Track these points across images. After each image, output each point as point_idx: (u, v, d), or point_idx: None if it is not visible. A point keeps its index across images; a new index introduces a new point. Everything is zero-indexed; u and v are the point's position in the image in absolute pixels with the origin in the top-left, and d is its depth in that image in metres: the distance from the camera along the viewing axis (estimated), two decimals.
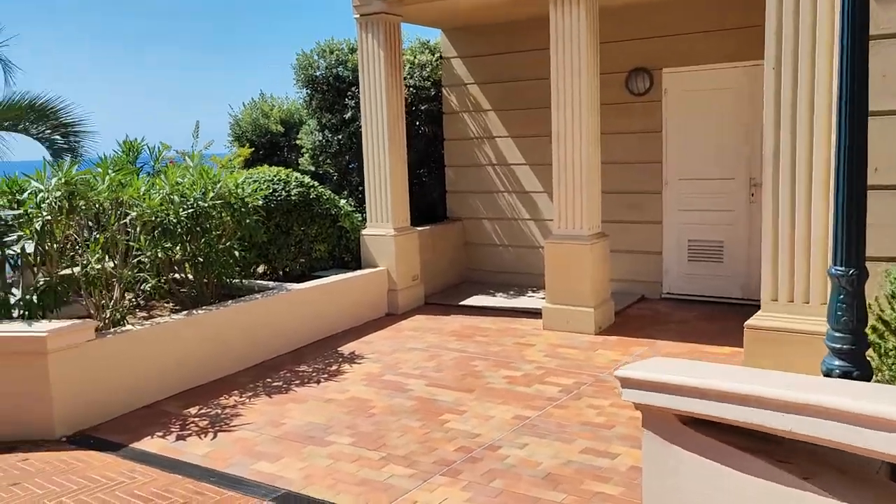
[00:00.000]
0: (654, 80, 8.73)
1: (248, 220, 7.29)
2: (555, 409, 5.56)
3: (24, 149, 12.36)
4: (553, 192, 7.73)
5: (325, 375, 6.62)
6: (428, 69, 10.24)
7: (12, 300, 5.81)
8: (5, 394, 5.31)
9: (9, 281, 6.30)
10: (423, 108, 10.20)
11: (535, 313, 8.23)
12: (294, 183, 8.81)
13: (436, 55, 10.36)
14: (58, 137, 11.40)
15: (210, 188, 6.86)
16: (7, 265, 6.22)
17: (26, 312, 5.68)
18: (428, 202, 10.46)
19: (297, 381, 6.48)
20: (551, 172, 7.74)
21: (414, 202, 9.41)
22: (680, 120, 8.69)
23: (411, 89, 10.09)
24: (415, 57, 10.28)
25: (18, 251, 5.77)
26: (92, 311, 6.24)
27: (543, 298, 8.00)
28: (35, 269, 5.94)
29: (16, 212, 5.68)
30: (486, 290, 9.79)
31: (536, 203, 9.78)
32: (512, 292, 9.57)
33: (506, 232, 10.12)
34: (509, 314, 8.61)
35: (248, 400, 6.04)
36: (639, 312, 8.45)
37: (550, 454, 4.77)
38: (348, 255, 9.33)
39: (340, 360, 7.10)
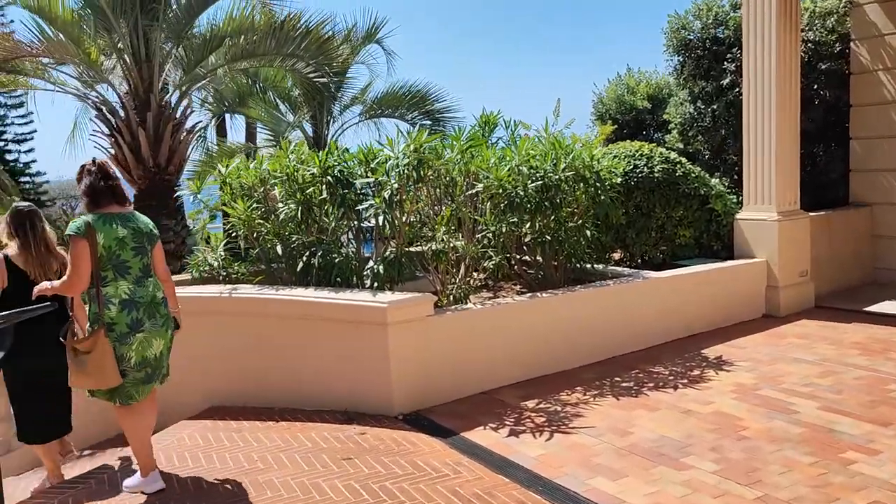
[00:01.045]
0: None
1: (603, 198, 6.47)
2: None
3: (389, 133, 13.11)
4: None
5: (684, 381, 5.53)
6: (832, 18, 8.34)
7: (366, 272, 5.80)
8: (351, 364, 5.25)
9: (367, 255, 6.38)
10: (822, 67, 8.35)
11: None
12: (658, 159, 7.78)
13: (842, 0, 8.40)
14: (427, 122, 11.91)
15: (562, 159, 6.19)
16: (363, 237, 6.30)
17: (375, 283, 5.59)
18: (823, 183, 8.59)
19: (649, 384, 5.49)
20: None
21: (806, 182, 7.70)
22: None
23: (809, 45, 8.31)
24: (815, 4, 8.46)
25: (373, 223, 5.73)
26: (438, 287, 6.00)
27: None
28: (386, 241, 5.86)
29: (368, 180, 5.62)
30: None
31: None
32: None
33: None
34: None
35: (591, 399, 5.24)
36: None
37: None
38: (718, 242, 8.00)
39: (704, 364, 5.93)
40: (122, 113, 9.01)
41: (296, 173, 5.85)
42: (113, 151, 9.13)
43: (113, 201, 4.03)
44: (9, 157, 39.99)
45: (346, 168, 5.86)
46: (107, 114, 9.08)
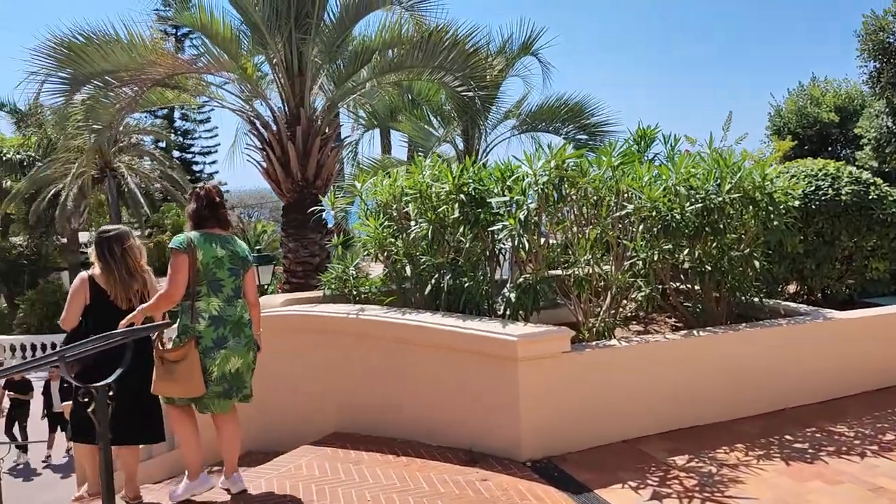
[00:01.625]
0: None
1: (776, 223, 5.60)
2: None
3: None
4: None
5: (874, 447, 4.59)
6: None
7: (500, 298, 5.34)
8: (477, 399, 4.80)
9: (504, 277, 5.92)
10: None
11: None
12: (846, 179, 6.73)
13: None
14: (583, 136, 11.28)
15: (727, 178, 5.41)
16: (500, 260, 5.84)
17: (507, 312, 5.12)
18: None
19: (828, 447, 4.61)
20: None
21: None
22: None
23: None
24: None
25: (508, 245, 5.27)
26: (579, 318, 5.42)
27: None
28: (522, 265, 5.37)
29: (503, 199, 5.16)
30: None
31: None
32: None
33: None
34: None
35: (754, 461, 4.45)
36: None
37: None
38: None
39: None
40: (273, 127, 9.18)
41: (428, 190, 5.50)
42: (264, 165, 9.31)
43: (216, 225, 4.24)
44: (195, 167, 43.61)
45: (482, 186, 5.43)
46: (260, 128, 9.29)
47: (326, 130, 9.33)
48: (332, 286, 6.15)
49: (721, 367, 5.15)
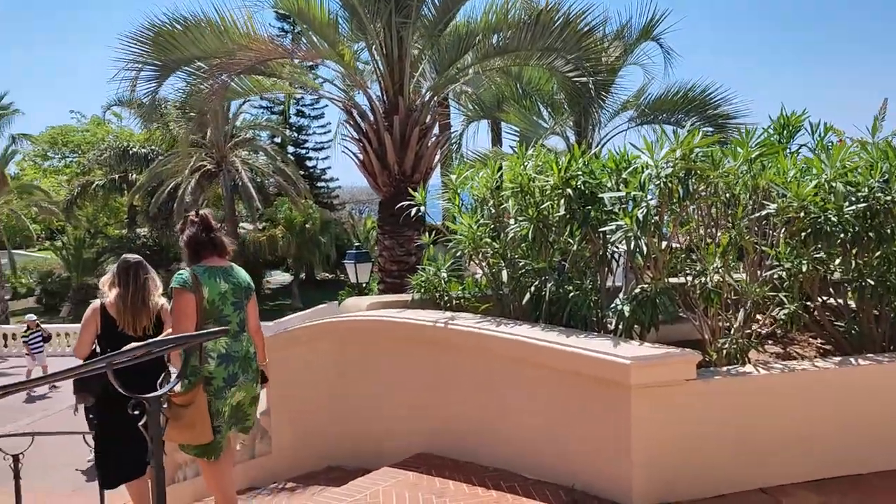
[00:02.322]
0: None
1: None
2: None
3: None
4: None
5: None
6: None
7: (611, 311, 4.60)
8: (582, 429, 4.09)
9: (616, 286, 5.17)
10: None
11: None
12: None
13: None
14: (709, 129, 10.21)
15: None
16: (612, 266, 5.07)
17: (619, 327, 4.37)
18: None
19: None
20: None
21: None
22: None
23: None
24: None
25: (622, 249, 4.51)
26: (705, 336, 4.59)
27: None
28: (639, 272, 4.60)
29: (618, 194, 4.40)
30: None
31: None
32: None
33: None
34: None
35: None
36: None
37: None
38: None
39: None
40: (370, 116, 8.70)
41: (531, 184, 4.81)
42: (361, 157, 8.86)
43: (214, 253, 4.15)
44: (308, 163, 44.45)
45: (593, 179, 4.69)
46: (357, 117, 8.83)
47: (426, 120, 8.78)
48: (422, 290, 5.58)
49: (889, 402, 4.20)
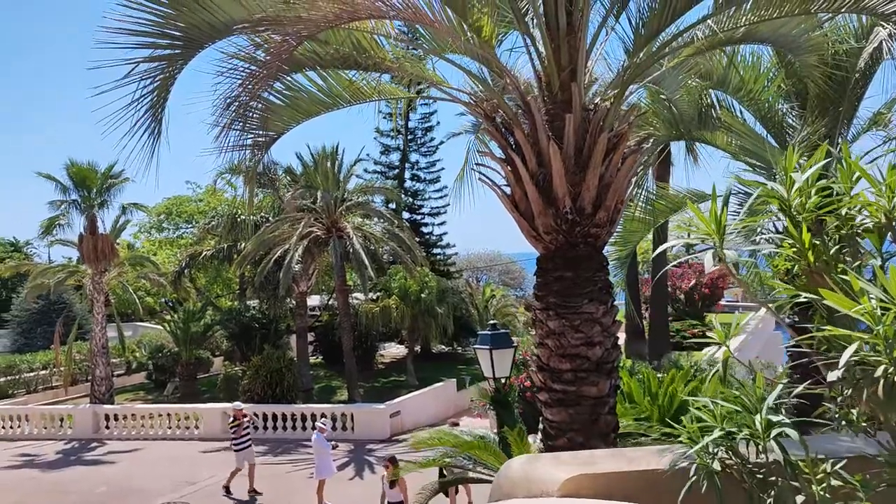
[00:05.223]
0: None
1: None
2: None
3: None
4: None
5: None
6: None
7: None
8: None
9: None
10: None
11: None
12: None
13: None
14: None
15: None
16: None
17: None
18: None
19: None
20: None
21: None
22: None
23: None
24: None
25: None
26: None
27: None
28: None
29: None
30: None
31: None
32: None
33: None
34: None
35: None
36: None
37: None
38: None
39: None
40: (524, 122, 5.42)
41: None
42: (508, 189, 5.60)
43: None
44: (424, 230, 42.00)
45: None
46: (500, 126, 5.60)
47: (615, 126, 5.37)
48: (715, 450, 2.16)
49: None
